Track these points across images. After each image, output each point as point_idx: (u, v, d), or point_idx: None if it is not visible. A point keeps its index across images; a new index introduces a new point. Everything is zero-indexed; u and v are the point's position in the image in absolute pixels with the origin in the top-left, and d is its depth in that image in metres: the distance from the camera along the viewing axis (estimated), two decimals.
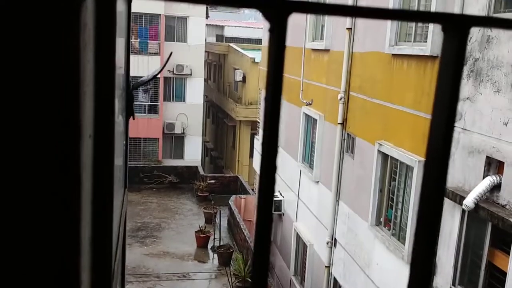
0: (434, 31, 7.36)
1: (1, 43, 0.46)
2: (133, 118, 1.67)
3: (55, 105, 0.50)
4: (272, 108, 0.47)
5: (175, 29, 26.12)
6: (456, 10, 6.82)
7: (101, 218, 0.70)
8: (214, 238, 17.43)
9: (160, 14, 25.11)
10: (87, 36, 0.53)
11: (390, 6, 8.60)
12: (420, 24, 8.11)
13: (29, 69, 0.49)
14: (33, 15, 0.47)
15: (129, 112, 1.62)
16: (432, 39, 7.38)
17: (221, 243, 17.19)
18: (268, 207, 0.49)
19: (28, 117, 0.49)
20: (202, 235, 17.47)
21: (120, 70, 1.36)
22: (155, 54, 25.12)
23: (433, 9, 7.36)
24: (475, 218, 6.44)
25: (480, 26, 0.49)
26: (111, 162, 0.79)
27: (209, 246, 17.59)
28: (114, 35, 0.74)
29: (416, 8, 8.13)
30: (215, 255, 16.85)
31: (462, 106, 6.72)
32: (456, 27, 0.47)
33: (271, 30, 0.46)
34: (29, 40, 0.48)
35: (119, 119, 1.25)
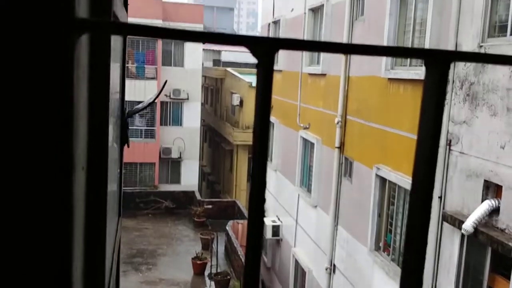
0: None
1: None
2: (128, 146, 1.67)
3: (47, 139, 0.50)
4: (260, 139, 0.47)
5: (172, 54, 26.36)
6: (451, 35, 6.92)
7: (93, 249, 0.70)
8: (211, 265, 17.22)
9: (157, 39, 25.37)
10: (81, 71, 0.54)
11: (385, 36, 8.72)
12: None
13: (23, 103, 0.49)
14: (27, 51, 0.48)
15: (124, 139, 1.63)
16: None
17: (218, 270, 16.99)
18: (258, 236, 0.49)
19: (20, 151, 0.50)
20: (199, 262, 17.26)
21: (115, 96, 1.37)
22: (152, 78, 25.27)
23: (427, 35, 7.47)
24: (474, 242, 6.40)
25: (461, 61, 0.50)
26: (104, 194, 0.79)
27: (206, 273, 17.37)
28: (108, 69, 0.75)
29: (411, 36, 8.25)
30: (212, 283, 16.62)
31: (459, 130, 6.75)
32: (438, 62, 0.48)
33: (258, 66, 0.47)
34: (23, 74, 0.48)
35: (113, 146, 1.25)
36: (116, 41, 1.68)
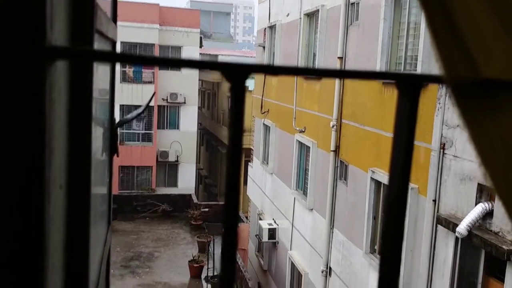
0: (423, 60, 7.48)
1: None
2: (117, 156, 1.68)
3: (15, 163, 0.49)
4: (233, 163, 0.48)
5: None
6: None
7: (75, 271, 0.70)
8: (207, 268, 17.22)
9: (154, 44, 25.37)
10: (57, 94, 0.55)
11: (379, 40, 8.76)
12: (410, 53, 8.26)
13: None
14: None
15: (113, 149, 1.64)
16: (422, 67, 7.49)
17: (215, 273, 16.98)
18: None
19: None
20: (195, 265, 17.26)
21: (103, 108, 1.37)
22: (149, 82, 25.27)
23: (421, 40, 7.51)
24: (468, 245, 6.43)
25: (431, 82, 0.51)
26: (87, 212, 0.79)
27: (203, 276, 17.37)
28: (90, 90, 0.75)
29: (405, 40, 8.28)
30: (209, 285, 16.62)
31: (452, 134, 6.78)
32: (409, 85, 0.49)
33: (231, 89, 0.48)
34: None
35: (101, 158, 1.26)
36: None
